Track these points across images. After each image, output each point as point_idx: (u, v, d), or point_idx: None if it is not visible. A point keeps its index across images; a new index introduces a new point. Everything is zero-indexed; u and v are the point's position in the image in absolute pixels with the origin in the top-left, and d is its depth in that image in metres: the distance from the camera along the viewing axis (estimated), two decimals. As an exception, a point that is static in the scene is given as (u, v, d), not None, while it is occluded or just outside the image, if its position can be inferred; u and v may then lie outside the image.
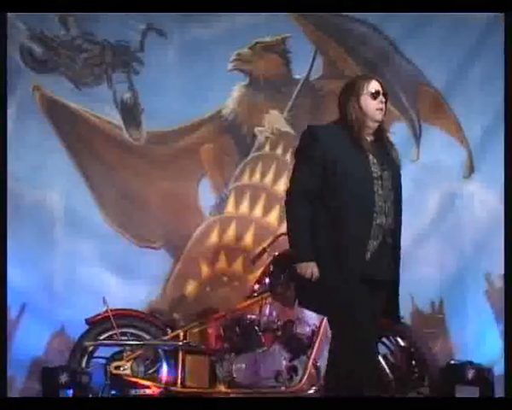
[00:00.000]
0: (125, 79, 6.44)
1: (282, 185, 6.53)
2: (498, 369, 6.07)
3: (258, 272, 5.78)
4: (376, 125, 4.29)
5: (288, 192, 4.30)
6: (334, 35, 6.68)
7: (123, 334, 5.59)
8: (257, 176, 6.60)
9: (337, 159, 4.18)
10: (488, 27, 6.56)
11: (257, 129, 6.63)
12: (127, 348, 5.54)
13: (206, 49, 6.46)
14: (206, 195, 6.54)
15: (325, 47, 6.69)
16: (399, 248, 4.31)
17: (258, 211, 6.54)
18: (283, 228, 6.37)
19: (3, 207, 5.28)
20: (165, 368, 5.56)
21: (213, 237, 6.49)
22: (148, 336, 5.63)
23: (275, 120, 6.63)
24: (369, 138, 4.30)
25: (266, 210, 6.53)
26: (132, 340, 5.59)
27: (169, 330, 5.64)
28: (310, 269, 4.16)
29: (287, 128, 6.63)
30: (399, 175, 4.35)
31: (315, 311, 4.50)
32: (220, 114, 6.59)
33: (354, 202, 4.16)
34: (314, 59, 6.65)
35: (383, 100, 4.27)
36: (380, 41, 6.64)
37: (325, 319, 5.42)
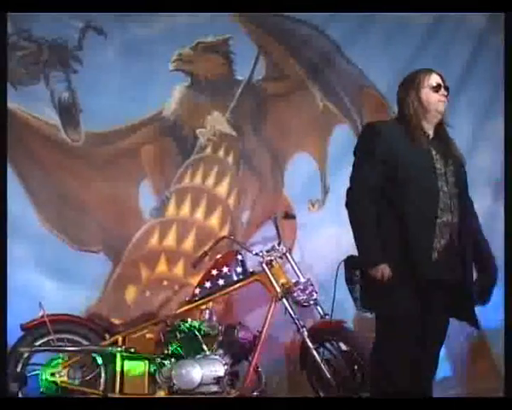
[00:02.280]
0: (63, 78, 6.36)
1: (223, 188, 6.53)
2: (440, 373, 6.14)
3: (199, 277, 5.75)
4: (439, 117, 4.26)
5: (351, 192, 4.21)
6: (277, 36, 6.71)
7: (60, 340, 5.50)
8: (198, 178, 6.57)
9: (400, 155, 4.13)
10: (430, 28, 6.65)
11: (198, 130, 6.60)
12: (64, 354, 5.46)
13: (146, 48, 6.41)
14: (146, 197, 6.49)
15: (268, 48, 6.71)
16: (469, 248, 4.24)
17: (199, 214, 6.51)
18: (225, 231, 6.44)
19: (4, 208, 5.13)
20: (102, 374, 5.49)
21: (154, 241, 6.45)
22: (85, 342, 5.54)
23: (217, 122, 6.61)
24: (430, 134, 4.27)
25: (208, 213, 6.51)
26: (69, 346, 5.50)
27: (107, 336, 5.57)
28: (381, 271, 4.07)
29: (229, 130, 6.62)
30: (464, 172, 4.33)
31: (377, 313, 4.29)
32: (161, 115, 6.56)
33: (418, 200, 4.10)
34: (257, 60, 6.66)
35: (445, 93, 4.27)
36: (323, 43, 6.69)
37: (267, 323, 5.46)
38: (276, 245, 5.63)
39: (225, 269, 5.61)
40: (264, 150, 6.65)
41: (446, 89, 4.30)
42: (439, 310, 4.23)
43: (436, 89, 4.27)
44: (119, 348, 5.48)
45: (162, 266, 6.40)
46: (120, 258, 6.39)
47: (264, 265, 5.55)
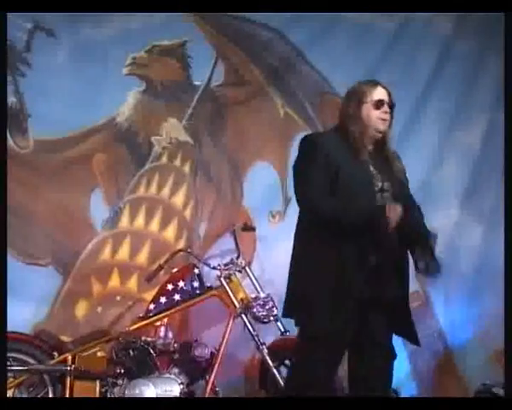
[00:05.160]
0: (10, 81, 6.23)
1: (179, 198, 6.48)
2: (405, 391, 6.15)
3: (154, 291, 5.69)
4: (379, 135, 4.22)
5: (306, 199, 4.16)
6: (236, 40, 6.70)
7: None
8: (153, 188, 6.51)
9: (339, 167, 4.10)
10: (396, 32, 6.69)
11: (154, 138, 6.55)
12: (9, 373, 5.35)
13: (99, 51, 6.32)
14: (98, 208, 6.40)
15: (227, 52, 6.69)
16: (405, 262, 4.21)
17: (154, 225, 6.44)
18: (181, 244, 6.38)
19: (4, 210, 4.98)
20: (50, 395, 5.40)
21: (106, 254, 6.36)
22: (33, 361, 5.44)
23: (173, 129, 6.56)
24: (370, 148, 4.23)
25: (163, 224, 6.45)
26: (15, 365, 5.39)
27: (56, 354, 5.48)
28: (396, 211, 4.01)
29: (185, 137, 6.58)
30: (405, 187, 4.30)
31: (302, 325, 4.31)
32: (114, 122, 6.48)
33: (355, 213, 4.08)
34: (215, 64, 6.63)
35: (387, 110, 4.20)
36: (284, 47, 6.69)
37: (225, 341, 5.41)
38: (234, 258, 5.61)
39: (181, 284, 5.57)
40: (223, 159, 6.62)
41: (390, 106, 4.23)
42: (377, 325, 4.19)
43: (377, 105, 4.20)
44: (68, 367, 5.39)
45: (115, 281, 6.32)
46: (70, 272, 6.29)
47: (222, 279, 5.52)
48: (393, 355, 4.28)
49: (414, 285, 6.56)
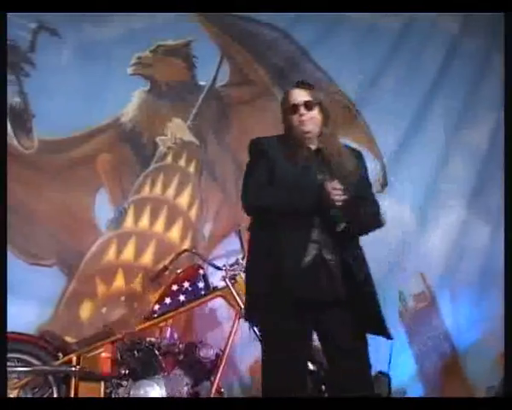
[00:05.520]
0: (15, 81, 6.24)
1: (184, 198, 6.47)
2: (411, 391, 6.14)
3: (159, 292, 5.68)
4: (308, 135, 4.17)
5: (247, 196, 4.17)
6: (241, 40, 6.70)
7: (9, 360, 5.39)
8: (158, 188, 6.51)
9: (275, 162, 4.11)
10: (401, 31, 6.68)
11: (158, 138, 6.55)
12: (14, 374, 5.34)
13: (103, 50, 6.33)
14: (102, 208, 6.40)
15: (232, 52, 6.69)
16: (356, 263, 4.16)
17: (159, 226, 6.44)
18: (186, 244, 6.37)
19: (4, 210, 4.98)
20: (55, 396, 5.39)
21: (110, 254, 6.35)
22: (37, 362, 5.43)
23: (178, 129, 6.56)
24: (313, 146, 4.20)
25: (168, 225, 6.44)
26: (20, 366, 5.39)
27: (61, 355, 5.47)
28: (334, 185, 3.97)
29: (190, 137, 6.57)
30: (355, 183, 4.15)
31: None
32: (119, 122, 6.48)
33: (291, 217, 4.06)
34: (220, 64, 6.63)
35: (303, 112, 4.15)
36: (288, 47, 6.68)
37: (230, 342, 5.40)
38: (239, 259, 5.58)
39: (186, 284, 5.56)
40: (228, 159, 6.61)
41: (308, 105, 4.16)
42: (333, 328, 4.16)
43: (293, 110, 4.18)
44: (73, 368, 5.38)
45: (119, 281, 6.31)
46: (75, 272, 6.28)
47: (227, 280, 5.50)
48: (363, 359, 4.21)
49: (420, 286, 6.57)
